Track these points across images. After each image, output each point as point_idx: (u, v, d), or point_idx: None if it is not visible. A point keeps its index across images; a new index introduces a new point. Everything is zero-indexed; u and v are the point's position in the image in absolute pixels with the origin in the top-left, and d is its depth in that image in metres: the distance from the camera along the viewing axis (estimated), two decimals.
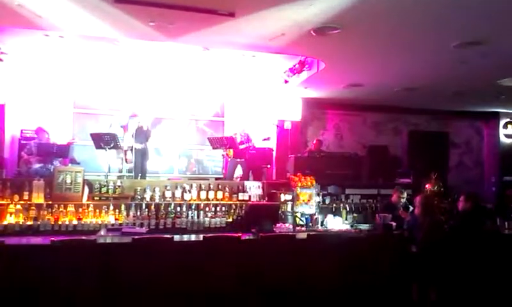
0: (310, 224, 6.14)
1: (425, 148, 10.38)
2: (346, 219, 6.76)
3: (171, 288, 4.60)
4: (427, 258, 5.15)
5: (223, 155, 8.27)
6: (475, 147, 11.33)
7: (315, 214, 6.32)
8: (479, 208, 5.86)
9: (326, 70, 6.86)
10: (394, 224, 5.91)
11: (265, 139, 8.29)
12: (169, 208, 5.99)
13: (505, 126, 10.96)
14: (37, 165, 6.67)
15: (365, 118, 10.46)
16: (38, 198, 5.69)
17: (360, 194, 7.18)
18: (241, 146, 7.96)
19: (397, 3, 4.44)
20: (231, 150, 7.90)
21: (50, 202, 5.67)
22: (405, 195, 6.43)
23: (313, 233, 5.79)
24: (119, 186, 6.14)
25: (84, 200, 5.87)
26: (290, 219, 6.31)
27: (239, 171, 7.99)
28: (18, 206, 5.54)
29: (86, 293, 4.43)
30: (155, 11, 4.66)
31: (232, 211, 6.30)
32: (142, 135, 7.26)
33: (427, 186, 7.22)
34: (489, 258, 5.42)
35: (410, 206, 6.13)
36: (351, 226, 6.43)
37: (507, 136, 10.98)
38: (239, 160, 7.95)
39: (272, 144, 9.13)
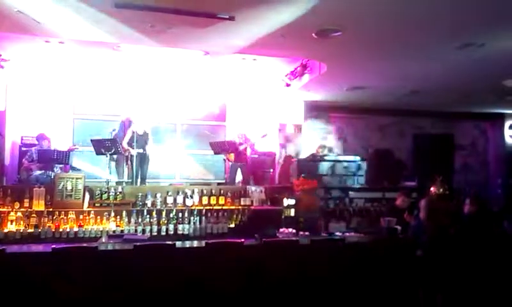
0: (314, 228, 6.06)
1: (430, 150, 10.29)
2: (350, 223, 6.67)
3: (173, 295, 4.54)
4: (432, 261, 5.07)
5: (224, 159, 8.21)
6: (481, 149, 11.21)
7: (318, 219, 6.24)
8: (485, 211, 5.76)
9: (328, 72, 6.79)
10: (399, 228, 5.83)
11: (263, 136, 8.23)
12: (171, 214, 5.94)
13: (511, 127, 10.85)
14: (38, 172, 6.66)
15: (369, 121, 10.34)
16: (39, 205, 5.67)
17: (364, 197, 7.12)
18: (241, 147, 7.90)
19: (398, 5, 4.38)
20: (232, 154, 7.84)
21: (51, 209, 5.65)
22: (410, 198, 6.34)
23: (317, 238, 5.72)
24: (120, 192, 6.08)
25: (85, 207, 5.83)
26: (293, 223, 6.24)
27: (239, 175, 7.92)
28: (19, 214, 5.52)
29: (87, 301, 4.36)
30: (154, 15, 4.62)
31: (235, 216, 6.24)
32: (141, 140, 7.21)
33: (432, 189, 7.13)
34: (496, 262, 5.32)
35: (415, 210, 6.04)
36: (355, 231, 6.35)
37: None
38: (239, 164, 7.90)
39: (275, 148, 9.06)
